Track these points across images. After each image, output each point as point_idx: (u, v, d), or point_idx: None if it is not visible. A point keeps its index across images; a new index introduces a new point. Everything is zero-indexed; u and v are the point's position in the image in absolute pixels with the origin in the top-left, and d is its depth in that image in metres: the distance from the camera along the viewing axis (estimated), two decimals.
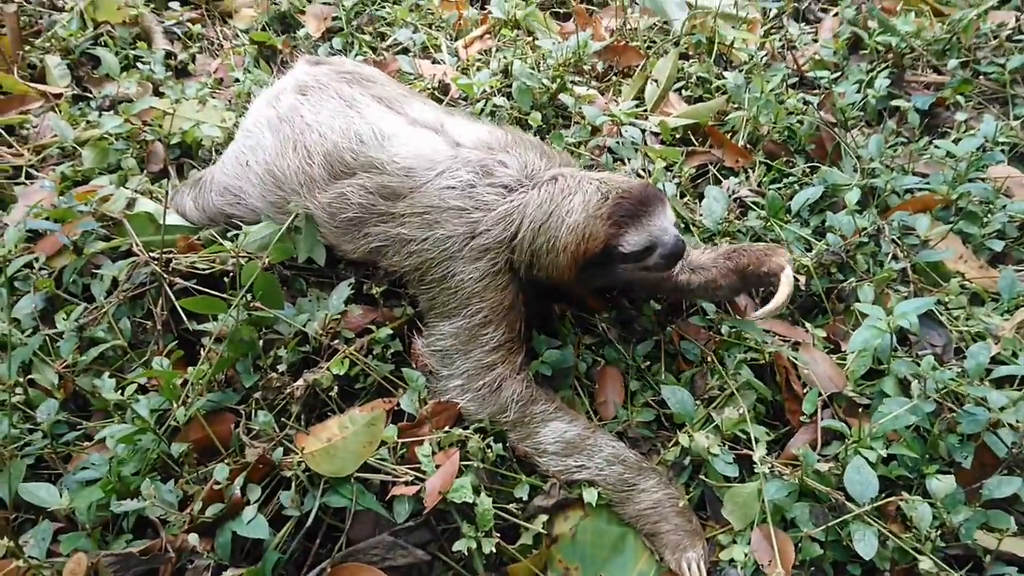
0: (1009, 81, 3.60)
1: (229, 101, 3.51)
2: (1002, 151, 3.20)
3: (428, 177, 2.24)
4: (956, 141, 3.20)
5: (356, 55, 3.91)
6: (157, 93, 3.56)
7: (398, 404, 2.21)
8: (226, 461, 2.04)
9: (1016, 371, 2.27)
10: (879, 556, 1.93)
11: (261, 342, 2.27)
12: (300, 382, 2.13)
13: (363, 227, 2.34)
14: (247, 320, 2.17)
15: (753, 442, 2.13)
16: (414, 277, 2.30)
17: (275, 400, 2.18)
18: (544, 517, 2.07)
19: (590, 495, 2.08)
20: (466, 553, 1.97)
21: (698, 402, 2.30)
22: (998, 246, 2.83)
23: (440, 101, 3.42)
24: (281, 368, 2.21)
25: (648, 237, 2.09)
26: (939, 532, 1.94)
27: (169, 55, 3.87)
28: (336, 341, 2.28)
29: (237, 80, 3.62)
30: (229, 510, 1.93)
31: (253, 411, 2.14)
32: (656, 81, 3.56)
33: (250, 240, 2.46)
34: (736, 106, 3.44)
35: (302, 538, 2.00)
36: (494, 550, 1.96)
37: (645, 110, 3.49)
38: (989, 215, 2.88)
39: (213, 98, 3.45)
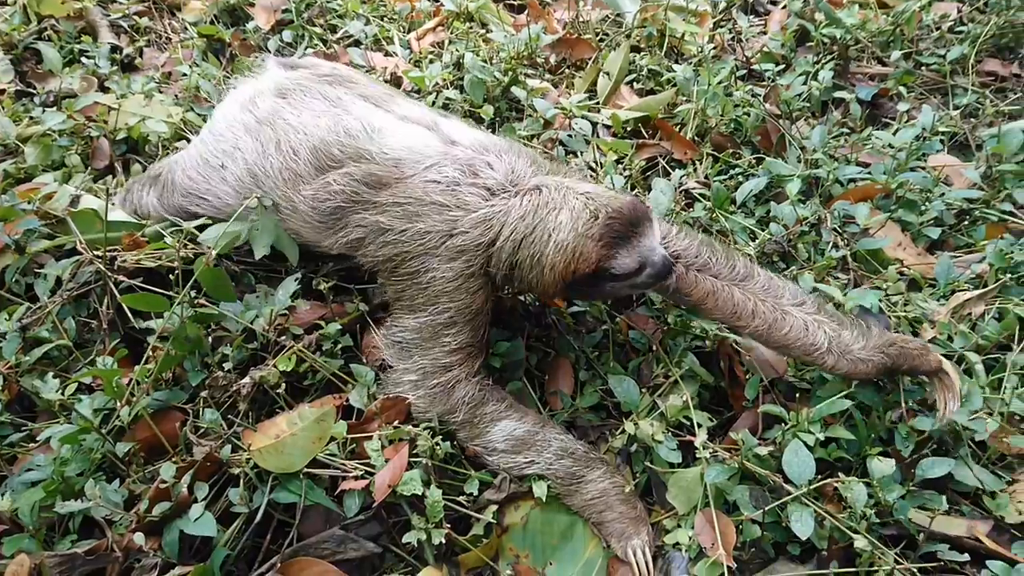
0: (949, 72, 3.70)
1: (176, 96, 3.47)
2: (940, 141, 3.29)
3: (416, 170, 2.21)
4: (895, 131, 3.28)
5: (307, 48, 3.89)
6: (103, 88, 3.50)
7: (347, 400, 2.21)
8: (173, 459, 2.03)
9: (948, 353, 2.35)
10: (816, 535, 1.98)
11: (209, 339, 2.26)
12: (247, 379, 2.11)
13: (345, 217, 2.29)
14: (192, 317, 2.15)
15: (696, 428, 2.18)
16: (387, 268, 2.26)
17: (222, 398, 2.17)
18: (494, 508, 2.08)
19: (540, 489, 2.10)
20: (416, 544, 1.98)
21: (644, 390, 2.34)
22: (935, 233, 2.91)
23: None
24: (228, 365, 2.20)
25: (638, 258, 2.06)
26: (874, 511, 1.99)
27: (115, 49, 3.80)
28: (284, 337, 2.27)
29: (185, 74, 3.57)
30: (176, 508, 1.92)
31: (201, 409, 2.13)
32: (608, 74, 3.59)
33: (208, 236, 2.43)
34: (685, 99, 3.49)
35: (252, 535, 2.00)
36: (444, 541, 1.98)
37: (597, 103, 3.53)
38: (927, 203, 2.96)
39: (160, 93, 3.40)
